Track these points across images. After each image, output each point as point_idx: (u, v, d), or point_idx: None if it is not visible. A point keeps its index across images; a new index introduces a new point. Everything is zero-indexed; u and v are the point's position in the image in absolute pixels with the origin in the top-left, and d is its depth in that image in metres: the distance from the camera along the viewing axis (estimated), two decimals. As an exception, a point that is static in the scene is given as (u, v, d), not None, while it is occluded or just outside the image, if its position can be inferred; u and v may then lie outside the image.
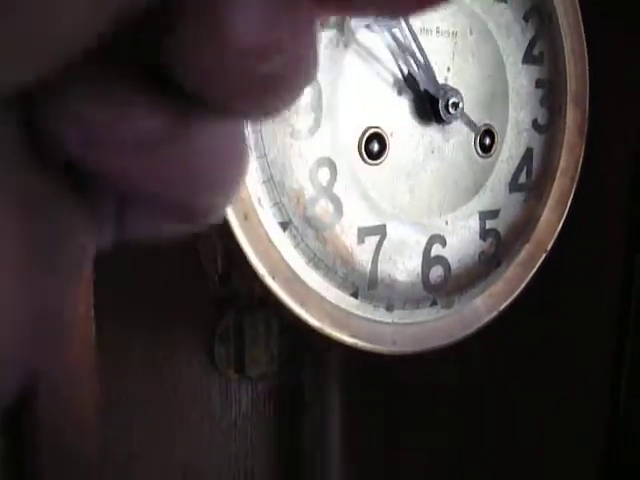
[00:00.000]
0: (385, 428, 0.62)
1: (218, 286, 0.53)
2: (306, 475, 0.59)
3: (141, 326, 0.53)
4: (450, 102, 0.40)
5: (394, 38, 0.38)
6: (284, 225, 0.37)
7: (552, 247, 0.50)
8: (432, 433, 0.63)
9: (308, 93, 0.36)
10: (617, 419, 0.54)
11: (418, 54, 0.39)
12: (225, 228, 0.34)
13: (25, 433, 0.35)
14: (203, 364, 0.54)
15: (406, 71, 0.39)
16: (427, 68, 0.39)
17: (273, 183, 0.36)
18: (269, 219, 0.36)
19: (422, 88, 0.39)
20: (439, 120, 0.41)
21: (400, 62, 0.39)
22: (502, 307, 0.48)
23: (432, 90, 0.40)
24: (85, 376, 0.31)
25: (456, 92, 0.41)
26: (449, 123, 0.42)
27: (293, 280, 0.37)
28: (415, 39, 0.38)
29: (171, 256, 0.52)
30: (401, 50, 0.39)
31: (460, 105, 0.41)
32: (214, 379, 0.55)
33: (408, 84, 0.40)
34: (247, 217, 0.35)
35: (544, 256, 0.50)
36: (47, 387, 0.31)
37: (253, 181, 0.35)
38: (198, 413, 0.55)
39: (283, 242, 0.37)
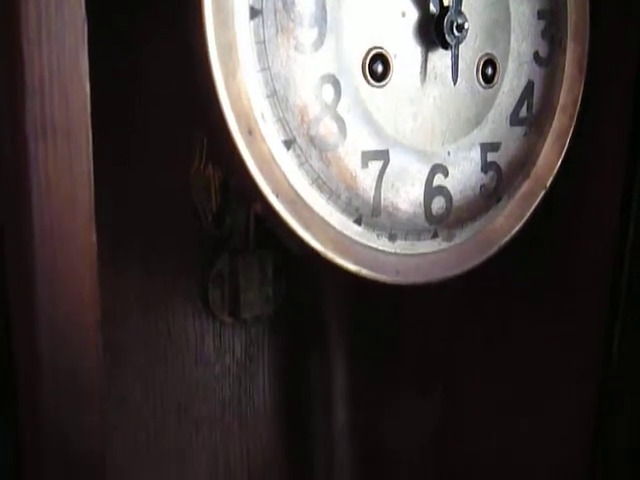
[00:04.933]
0: (382, 379, 0.61)
1: (212, 227, 0.52)
2: (300, 421, 0.58)
3: (133, 269, 0.51)
4: (455, 24, 0.39)
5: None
6: (288, 143, 0.35)
7: (550, 184, 0.50)
8: (426, 386, 0.62)
9: (312, 4, 0.35)
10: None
11: (425, -31, 0.38)
12: (228, 143, 0.33)
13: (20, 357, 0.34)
14: (197, 308, 0.53)
15: (412, -13, 0.38)
16: (433, -15, 0.38)
17: (277, 98, 0.34)
18: (273, 136, 0.35)
19: (430, 7, 0.38)
20: (443, 43, 0.40)
21: (406, -23, 0.38)
22: (502, 243, 0.48)
23: (438, 11, 0.39)
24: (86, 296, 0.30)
25: (461, 14, 0.40)
26: (453, 47, 0.41)
27: (297, 201, 0.36)
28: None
29: (163, 198, 0.51)
30: (407, -36, 0.37)
31: (465, 27, 0.40)
32: (208, 323, 0.54)
33: (414, 3, 0.39)
34: (251, 132, 0.34)
35: (543, 193, 0.49)
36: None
37: (257, 95, 0.34)
38: (192, 357, 0.54)
39: (287, 161, 0.36)
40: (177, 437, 0.54)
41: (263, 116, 0.34)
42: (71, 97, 0.26)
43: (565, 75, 0.49)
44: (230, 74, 0.33)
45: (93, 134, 0.30)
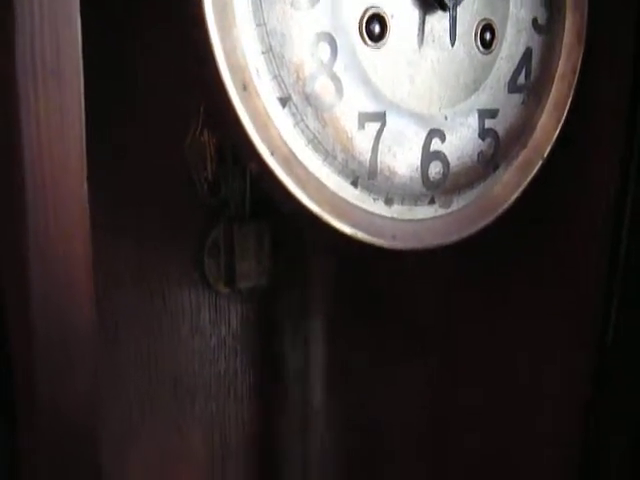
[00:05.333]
0: (375, 350, 0.61)
1: (207, 196, 0.52)
2: (295, 396, 0.58)
3: (127, 239, 0.51)
4: (453, -16, 0.39)
5: None
6: (283, 101, 0.35)
7: (548, 154, 0.49)
8: (420, 354, 0.62)
9: (309, -41, 0.34)
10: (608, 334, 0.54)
11: None
12: (223, 98, 0.33)
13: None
14: (192, 278, 0.53)
15: (410, -56, 0.38)
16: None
17: (272, 54, 0.34)
18: (268, 92, 0.34)
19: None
20: (441, 4, 0.40)
21: None
22: (500, 211, 0.47)
23: (435, -30, 0.39)
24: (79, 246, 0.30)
25: (459, -26, 0.40)
26: (451, 8, 0.40)
27: (292, 161, 0.36)
28: None
29: (158, 166, 0.50)
30: None
31: (463, -13, 0.39)
32: (204, 294, 0.54)
33: (411, -39, 0.38)
34: (246, 87, 0.33)
35: (541, 162, 0.49)
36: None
37: (252, 51, 0.33)
38: (187, 328, 0.54)
39: (282, 120, 0.35)
40: (173, 409, 0.54)
41: (258, 72, 0.34)
42: (62, 37, 0.26)
43: (564, 43, 0.48)
44: (225, 29, 0.32)
45: (89, 99, 0.30)
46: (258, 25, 0.33)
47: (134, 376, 0.53)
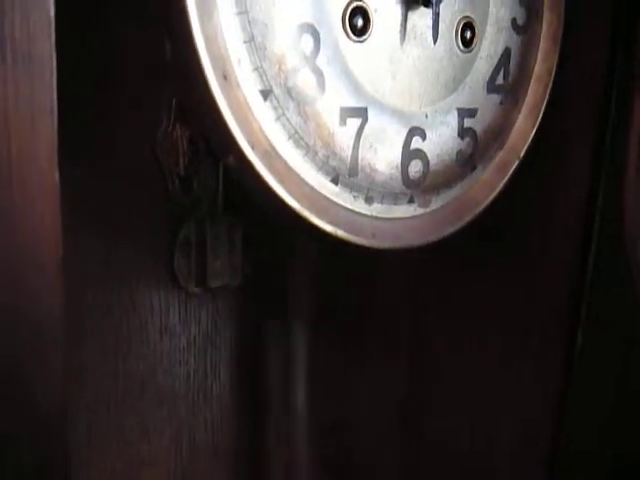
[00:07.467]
0: (348, 350, 0.60)
1: (179, 193, 0.50)
2: (266, 396, 0.57)
3: (96, 236, 0.49)
4: (437, -20, 0.39)
5: None
6: (265, 93, 0.34)
7: (524, 154, 0.49)
8: (391, 357, 0.62)
9: (293, -52, 0.33)
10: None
11: None
12: (203, 87, 0.32)
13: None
14: (162, 277, 0.51)
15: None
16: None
17: (254, 44, 0.33)
18: (249, 84, 0.33)
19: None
20: (425, 0, 0.39)
21: None
22: (477, 212, 0.47)
23: (419, -35, 0.38)
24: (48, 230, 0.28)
25: (442, -29, 0.39)
26: (434, 5, 0.40)
27: (273, 155, 0.35)
28: None
29: (129, 162, 0.49)
30: None
31: (447, -16, 0.39)
32: (174, 293, 0.52)
33: (395, -45, 0.38)
34: (226, 77, 0.32)
35: (517, 163, 0.49)
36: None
37: (233, 39, 0.32)
38: (157, 328, 0.52)
39: (263, 113, 0.34)
40: (140, 410, 0.52)
41: (240, 62, 0.33)
42: (33, 22, 0.24)
43: (541, 44, 0.48)
44: (206, 15, 0.31)
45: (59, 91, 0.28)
46: (240, 13, 0.32)
47: (101, 376, 0.50)
